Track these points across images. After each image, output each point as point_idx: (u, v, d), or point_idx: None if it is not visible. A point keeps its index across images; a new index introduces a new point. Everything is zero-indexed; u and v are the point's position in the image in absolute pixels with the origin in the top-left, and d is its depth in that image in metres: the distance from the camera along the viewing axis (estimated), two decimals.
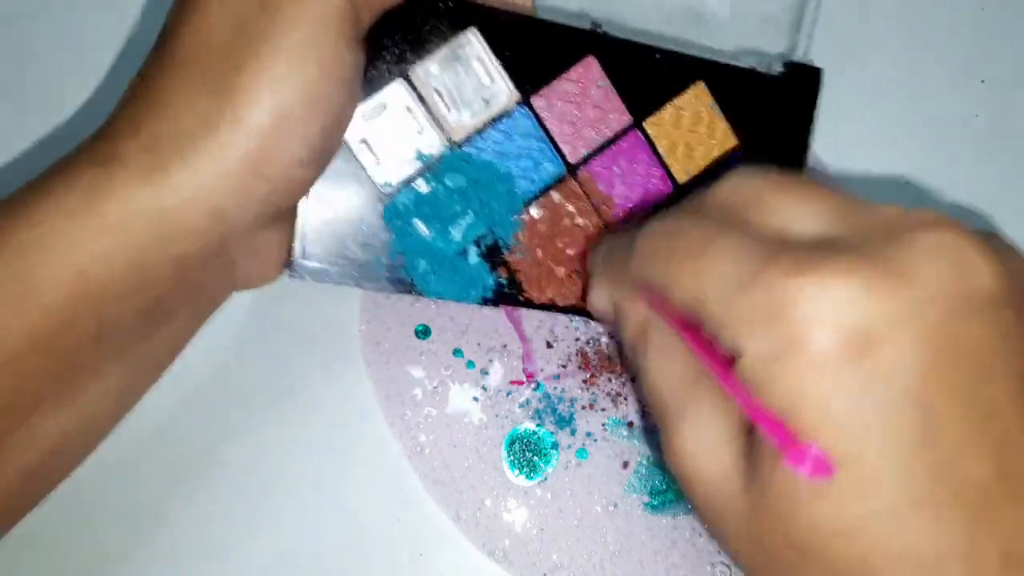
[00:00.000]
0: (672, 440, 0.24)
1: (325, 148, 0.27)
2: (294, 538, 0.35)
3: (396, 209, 0.30)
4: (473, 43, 0.30)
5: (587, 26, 0.32)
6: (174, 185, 0.24)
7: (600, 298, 0.29)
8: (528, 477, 0.36)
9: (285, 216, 0.29)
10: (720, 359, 0.22)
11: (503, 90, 0.31)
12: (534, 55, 0.31)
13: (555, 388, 0.36)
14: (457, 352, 0.36)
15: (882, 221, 0.21)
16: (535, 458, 0.36)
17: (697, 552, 0.36)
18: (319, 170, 0.28)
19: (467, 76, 0.31)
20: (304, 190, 0.28)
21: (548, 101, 0.31)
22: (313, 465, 0.36)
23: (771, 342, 0.20)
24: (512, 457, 0.36)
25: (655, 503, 0.36)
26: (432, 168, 0.31)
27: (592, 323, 0.37)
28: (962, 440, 0.20)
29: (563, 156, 0.32)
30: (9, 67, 0.37)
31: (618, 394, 0.37)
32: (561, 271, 0.32)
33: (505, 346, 0.36)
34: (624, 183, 0.33)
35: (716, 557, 0.36)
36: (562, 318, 0.37)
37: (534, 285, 0.32)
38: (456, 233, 0.31)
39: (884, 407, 0.20)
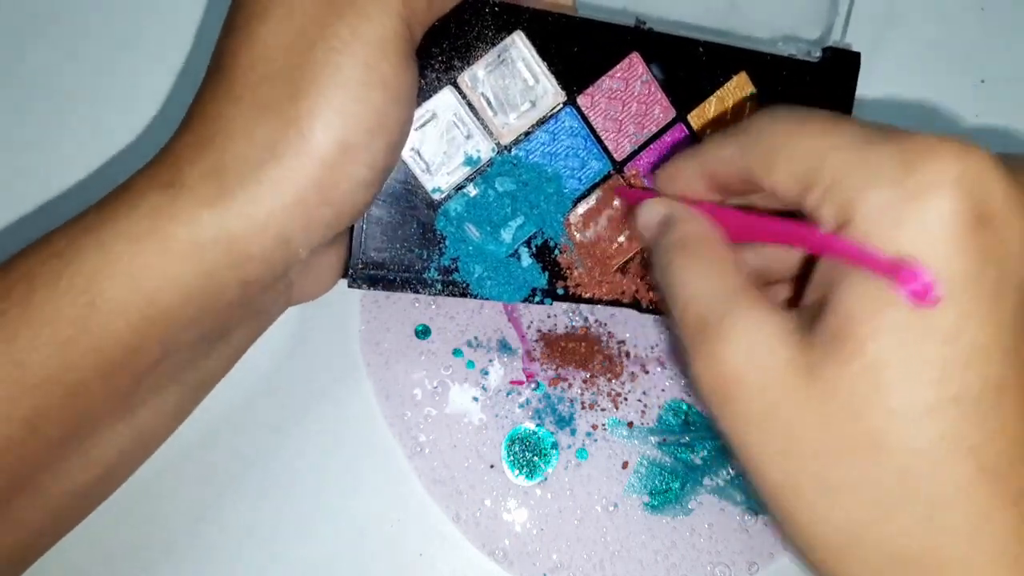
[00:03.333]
0: (713, 350, 0.23)
1: (387, 166, 0.27)
2: (294, 538, 0.35)
3: (448, 215, 0.31)
4: (518, 45, 0.31)
5: (630, 23, 0.32)
6: (239, 212, 0.24)
7: (653, 210, 0.28)
8: (528, 477, 0.36)
9: (342, 233, 0.28)
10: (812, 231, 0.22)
11: (549, 91, 0.31)
12: (578, 55, 0.31)
13: (555, 388, 0.36)
14: (457, 352, 0.36)
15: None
16: (535, 458, 0.36)
17: (697, 552, 0.36)
18: (380, 187, 0.27)
19: (513, 79, 0.31)
20: (365, 208, 0.28)
21: (593, 99, 0.32)
22: (313, 465, 0.36)
23: (898, 192, 0.20)
24: (512, 457, 0.36)
25: (655, 503, 0.36)
26: (481, 172, 0.31)
27: (613, 318, 0.37)
28: None
29: (609, 153, 0.32)
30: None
31: (618, 394, 0.37)
32: (610, 265, 0.32)
33: (505, 345, 0.36)
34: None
35: (716, 557, 0.36)
36: (563, 319, 0.37)
37: (584, 281, 0.32)
38: (507, 235, 0.31)
39: (995, 284, 0.20)
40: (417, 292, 0.31)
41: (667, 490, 0.36)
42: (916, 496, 0.20)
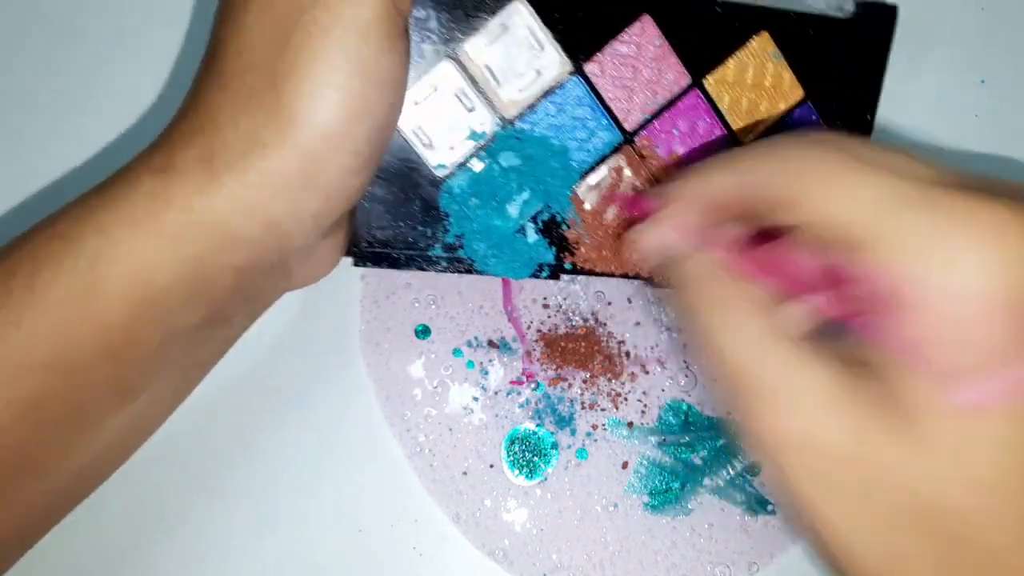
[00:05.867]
0: (769, 414, 0.22)
1: (374, 152, 0.26)
2: (294, 538, 0.35)
3: (452, 192, 0.30)
4: (521, 12, 0.29)
5: None
6: (228, 196, 0.24)
7: (661, 235, 0.27)
8: (528, 477, 0.36)
9: (341, 219, 0.29)
10: (844, 280, 0.22)
11: (554, 60, 0.30)
12: (586, 19, 0.30)
13: (555, 388, 0.36)
14: (457, 352, 0.36)
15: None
16: (535, 458, 0.36)
17: (697, 552, 0.36)
18: (371, 172, 0.27)
19: (516, 48, 0.30)
20: (358, 194, 0.28)
21: (601, 67, 0.30)
22: (313, 465, 0.36)
23: (937, 265, 0.20)
24: (512, 457, 0.36)
25: (655, 503, 0.36)
26: (486, 147, 0.30)
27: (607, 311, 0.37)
28: None
29: (619, 123, 0.31)
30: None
31: (618, 394, 0.37)
32: (619, 240, 0.31)
33: (505, 345, 0.36)
34: (684, 145, 0.32)
35: (716, 557, 0.36)
36: (556, 314, 0.37)
37: (593, 255, 0.31)
38: (513, 211, 0.31)
39: None
40: (422, 269, 0.30)
41: (667, 490, 0.36)
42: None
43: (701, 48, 0.31)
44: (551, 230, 0.31)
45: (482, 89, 0.30)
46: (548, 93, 0.30)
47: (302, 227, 0.25)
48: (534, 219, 0.31)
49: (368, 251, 0.30)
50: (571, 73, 0.30)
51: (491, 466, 0.36)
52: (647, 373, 0.37)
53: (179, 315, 0.25)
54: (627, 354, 0.37)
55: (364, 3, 0.24)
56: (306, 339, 0.36)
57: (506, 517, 0.35)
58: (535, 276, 0.31)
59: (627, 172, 0.31)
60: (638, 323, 0.37)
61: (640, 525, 0.36)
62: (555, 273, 0.31)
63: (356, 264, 0.30)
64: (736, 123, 0.32)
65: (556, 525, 0.35)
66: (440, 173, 0.30)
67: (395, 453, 0.36)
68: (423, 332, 0.37)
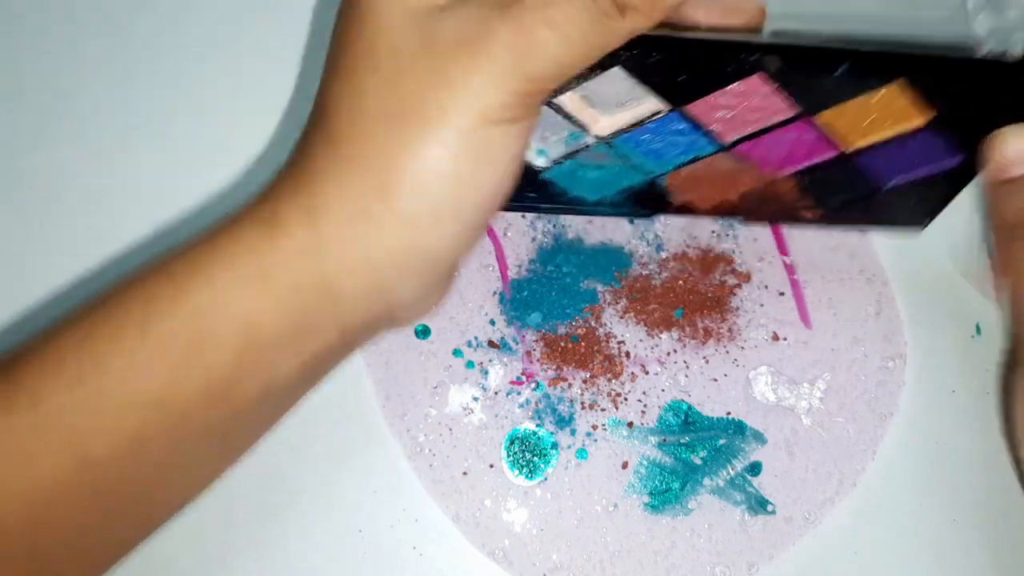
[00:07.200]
0: None
1: (484, 218, 0.26)
2: (294, 538, 0.35)
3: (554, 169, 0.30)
4: (619, 75, 0.27)
5: (757, 38, 0.26)
6: (336, 257, 0.24)
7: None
8: (528, 477, 0.36)
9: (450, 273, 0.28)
10: None
11: (652, 102, 0.28)
12: (688, 79, 0.27)
13: (555, 388, 0.36)
14: (457, 352, 0.36)
15: None
16: (535, 458, 0.36)
17: (697, 552, 0.36)
18: (482, 232, 0.27)
19: (610, 87, 0.27)
20: (469, 251, 0.27)
21: (702, 108, 0.28)
22: (313, 465, 0.36)
23: None
24: (512, 457, 0.36)
25: (655, 503, 0.36)
26: (581, 151, 0.30)
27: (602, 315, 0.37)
28: None
29: (717, 138, 0.29)
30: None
31: (618, 394, 0.37)
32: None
33: (505, 345, 0.36)
34: (783, 154, 0.30)
35: (716, 557, 0.36)
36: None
37: (686, 194, 0.31)
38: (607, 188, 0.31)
39: None
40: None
41: (667, 490, 0.36)
42: None
43: (821, 95, 0.27)
44: (644, 197, 0.31)
45: (573, 117, 0.29)
46: (642, 123, 0.29)
47: (406, 287, 0.25)
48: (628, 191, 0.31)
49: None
50: (669, 111, 0.28)
51: (491, 466, 0.36)
52: (647, 373, 0.37)
53: (282, 367, 0.25)
54: (627, 354, 0.37)
55: (488, 94, 0.23)
56: None
57: (506, 517, 0.35)
58: (623, 214, 0.31)
59: (725, 163, 0.30)
60: (638, 323, 0.37)
61: (640, 525, 0.36)
62: (648, 203, 0.31)
63: None
64: (842, 141, 0.30)
65: (556, 525, 0.35)
66: (541, 163, 0.30)
67: (395, 453, 0.36)
68: (423, 332, 0.37)
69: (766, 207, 0.33)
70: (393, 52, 0.23)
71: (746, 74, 0.26)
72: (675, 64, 0.26)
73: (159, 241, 0.38)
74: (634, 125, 0.29)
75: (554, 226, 0.38)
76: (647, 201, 0.31)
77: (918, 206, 0.34)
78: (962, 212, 0.36)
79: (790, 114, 0.28)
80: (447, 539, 0.35)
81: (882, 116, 0.28)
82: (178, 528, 0.35)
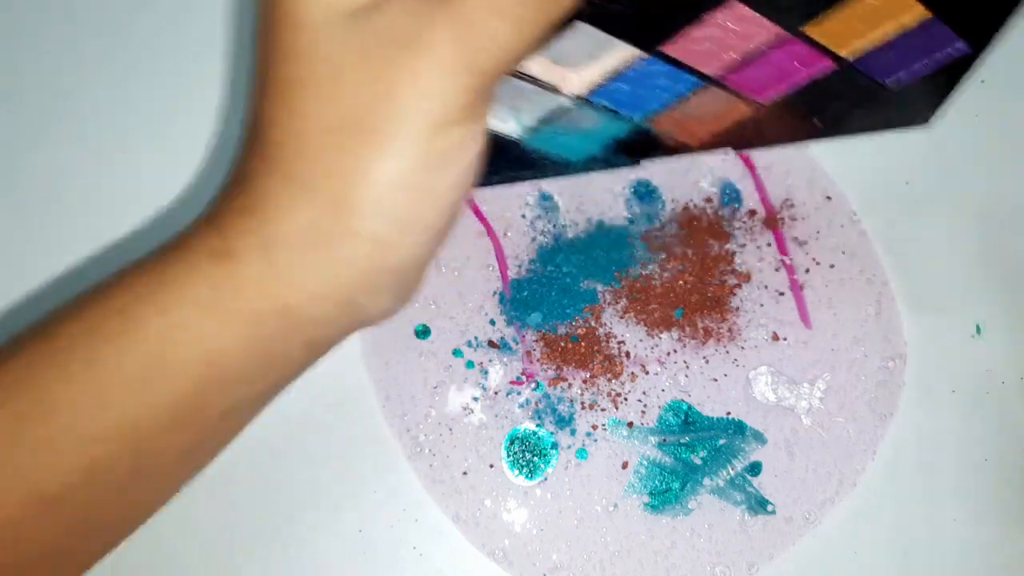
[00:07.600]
0: None
1: (448, 221, 0.24)
2: (294, 537, 0.35)
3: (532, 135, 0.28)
4: (583, 28, 0.25)
5: None
6: (297, 285, 0.23)
7: None
8: (528, 477, 0.36)
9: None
10: None
11: (623, 49, 0.26)
12: (654, 17, 0.25)
13: (555, 388, 0.36)
14: (457, 352, 0.36)
15: None
16: (535, 458, 0.36)
17: (697, 552, 0.36)
18: (447, 234, 0.25)
19: (575, 41, 0.25)
20: (434, 254, 0.25)
21: (679, 45, 0.27)
22: (313, 465, 0.36)
23: None
24: (512, 457, 0.36)
25: (655, 503, 0.36)
26: (558, 117, 0.28)
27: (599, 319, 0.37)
28: None
29: (700, 74, 0.28)
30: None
31: (618, 394, 0.37)
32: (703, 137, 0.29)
33: (505, 345, 0.36)
34: (775, 75, 0.29)
35: (716, 557, 0.36)
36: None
37: (676, 135, 0.29)
38: (592, 141, 0.29)
39: None
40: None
41: (667, 490, 0.36)
42: None
43: (796, 4, 0.26)
44: (630, 144, 0.29)
45: (546, 83, 0.27)
46: (617, 75, 0.27)
47: (376, 300, 0.24)
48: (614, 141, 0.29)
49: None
50: (645, 55, 0.26)
51: (491, 466, 0.36)
52: (647, 373, 0.37)
53: (246, 388, 0.25)
54: (627, 354, 0.37)
55: (437, 96, 0.21)
56: None
57: (506, 517, 0.35)
58: (610, 166, 0.29)
59: (715, 97, 0.29)
60: (638, 323, 0.37)
61: (640, 525, 0.36)
62: (635, 150, 0.29)
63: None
64: (839, 49, 0.28)
65: (556, 525, 0.35)
66: (516, 134, 0.28)
67: (395, 453, 0.36)
68: (423, 332, 0.37)
69: (762, 133, 0.32)
70: (326, 61, 0.21)
71: (716, 2, 0.25)
72: (639, 4, 0.25)
73: (159, 242, 0.38)
74: (610, 76, 0.27)
75: (554, 226, 0.38)
76: (635, 149, 0.30)
77: (922, 100, 0.33)
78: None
79: (773, 34, 0.27)
80: (447, 539, 0.35)
81: (874, 14, 0.27)
82: (179, 528, 0.35)
